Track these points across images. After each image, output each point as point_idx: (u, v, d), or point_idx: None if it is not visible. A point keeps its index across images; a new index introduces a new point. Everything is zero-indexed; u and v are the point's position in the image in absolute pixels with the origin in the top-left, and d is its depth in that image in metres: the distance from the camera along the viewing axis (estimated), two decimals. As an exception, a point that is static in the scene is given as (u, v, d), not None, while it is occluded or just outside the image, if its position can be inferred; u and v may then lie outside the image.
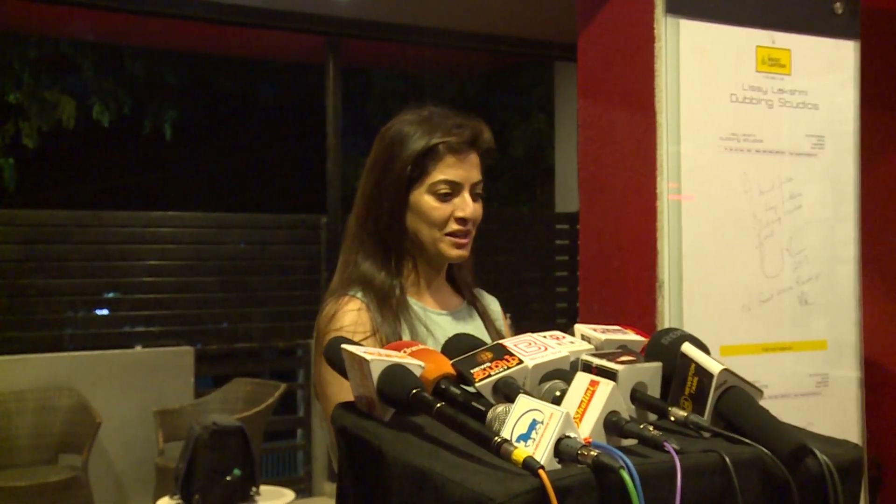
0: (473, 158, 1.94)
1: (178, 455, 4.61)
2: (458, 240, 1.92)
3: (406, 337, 1.85)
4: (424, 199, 1.90)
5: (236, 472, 4.37)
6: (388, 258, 1.94)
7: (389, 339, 1.83)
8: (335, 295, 1.92)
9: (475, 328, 1.99)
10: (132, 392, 6.18)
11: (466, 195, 1.92)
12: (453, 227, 1.91)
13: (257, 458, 4.88)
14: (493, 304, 2.15)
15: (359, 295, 1.90)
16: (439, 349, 1.45)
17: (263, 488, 4.57)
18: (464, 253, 1.95)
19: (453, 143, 1.90)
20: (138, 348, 6.65)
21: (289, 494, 4.66)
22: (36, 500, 5.27)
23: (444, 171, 1.90)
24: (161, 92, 9.70)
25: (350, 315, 1.87)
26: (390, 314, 1.88)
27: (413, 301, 1.95)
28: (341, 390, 1.79)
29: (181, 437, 5.06)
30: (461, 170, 1.91)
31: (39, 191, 10.35)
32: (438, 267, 2.01)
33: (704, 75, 2.79)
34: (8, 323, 6.41)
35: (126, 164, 11.74)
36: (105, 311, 7.02)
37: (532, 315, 7.63)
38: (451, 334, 1.85)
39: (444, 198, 1.90)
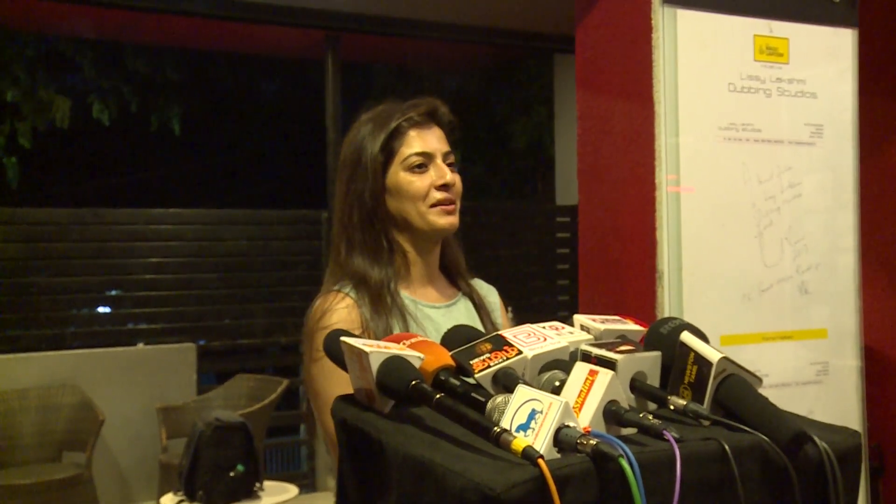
0: (437, 131, 1.98)
1: (181, 451, 4.62)
2: (444, 207, 1.94)
3: (397, 332, 1.85)
4: (401, 176, 1.93)
5: (240, 467, 4.37)
6: (379, 251, 1.94)
7: (379, 336, 1.83)
8: (326, 291, 1.93)
9: (469, 320, 1.98)
10: (135, 389, 6.19)
11: (440, 163, 1.95)
12: (436, 196, 1.93)
13: (260, 453, 4.89)
14: (490, 295, 2.15)
15: (350, 292, 1.91)
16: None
17: (267, 484, 4.58)
18: (454, 220, 1.96)
19: (412, 117, 1.95)
20: (141, 345, 6.65)
21: (292, 490, 4.66)
22: (40, 497, 5.29)
23: (411, 145, 1.94)
24: (162, 89, 9.68)
25: (339, 313, 1.88)
26: (383, 310, 1.88)
27: (405, 294, 1.95)
28: (331, 381, 1.80)
29: (184, 433, 5.07)
30: (427, 140, 1.95)
31: (40, 189, 10.36)
32: (431, 251, 2.01)
33: (702, 65, 2.78)
34: (10, 321, 6.43)
35: (126, 162, 11.74)
36: (107, 309, 7.02)
37: (534, 308, 7.64)
38: (442, 328, 1.86)
39: (419, 170, 1.93)
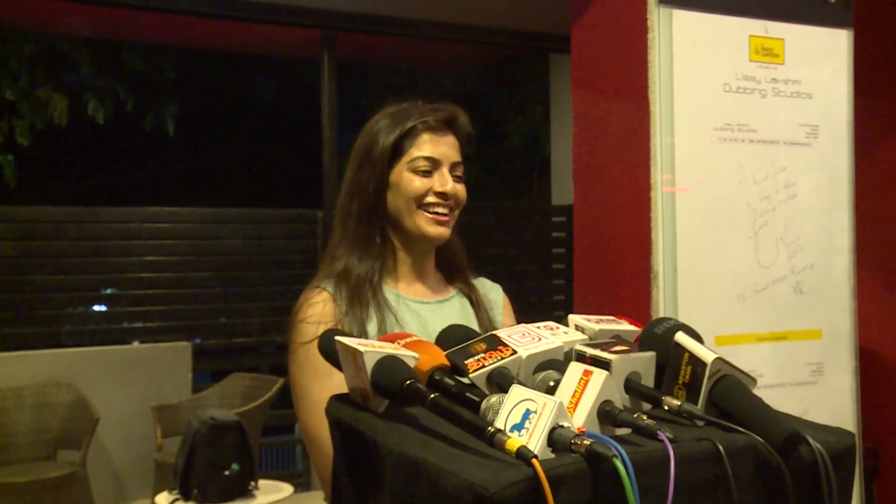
0: (451, 140, 1.98)
1: (176, 450, 4.61)
2: (437, 216, 1.93)
3: (373, 326, 1.87)
4: (404, 176, 1.93)
5: (235, 466, 4.37)
6: (369, 245, 1.95)
7: (353, 330, 1.85)
8: (312, 285, 1.96)
9: (461, 319, 1.97)
10: (130, 388, 6.18)
11: (445, 171, 1.94)
12: (431, 199, 1.92)
13: (256, 452, 4.88)
14: (492, 293, 2.14)
15: (328, 287, 1.92)
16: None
17: (262, 483, 4.57)
18: (444, 231, 1.95)
19: (429, 121, 1.95)
20: (136, 344, 6.65)
21: (287, 489, 4.66)
22: (35, 495, 5.28)
23: (421, 148, 1.93)
24: (158, 87, 9.67)
25: (315, 307, 1.90)
26: (359, 304, 1.89)
27: (389, 288, 1.95)
28: (304, 373, 1.86)
29: (179, 432, 5.07)
30: (438, 147, 1.94)
31: (36, 188, 10.34)
32: (422, 252, 2.00)
33: (698, 65, 2.79)
34: (6, 319, 6.42)
35: (122, 160, 11.73)
36: (103, 307, 7.01)
37: (529, 308, 7.63)
38: (429, 324, 1.87)
39: (424, 174, 1.93)
